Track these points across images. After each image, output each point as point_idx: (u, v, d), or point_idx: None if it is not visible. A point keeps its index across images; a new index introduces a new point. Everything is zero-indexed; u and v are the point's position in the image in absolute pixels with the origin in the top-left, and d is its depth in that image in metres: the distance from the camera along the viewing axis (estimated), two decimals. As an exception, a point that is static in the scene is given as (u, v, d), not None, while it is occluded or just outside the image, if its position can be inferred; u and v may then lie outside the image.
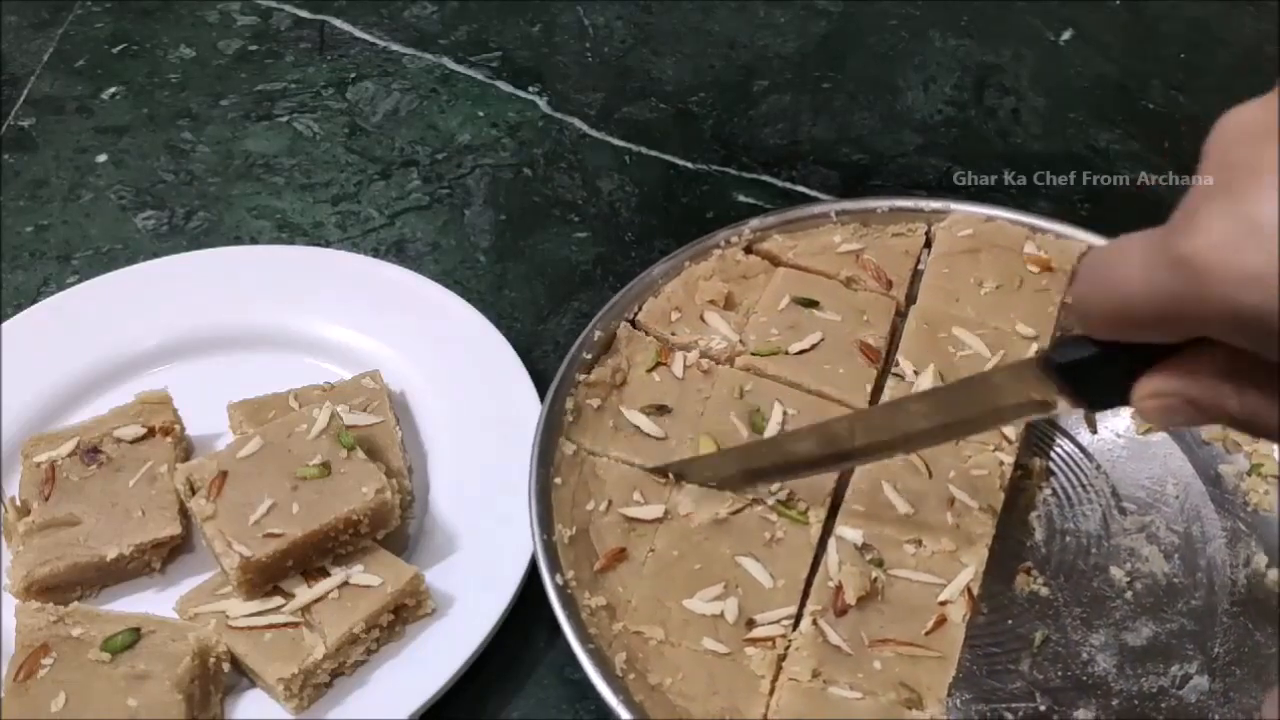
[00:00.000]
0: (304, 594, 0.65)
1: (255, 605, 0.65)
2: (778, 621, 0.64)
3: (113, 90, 1.03)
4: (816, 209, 0.83)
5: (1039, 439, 0.75)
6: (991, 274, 0.78)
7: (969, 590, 0.64)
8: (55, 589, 0.67)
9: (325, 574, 0.66)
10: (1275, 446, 0.72)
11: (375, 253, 0.90)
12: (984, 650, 0.66)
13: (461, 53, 1.06)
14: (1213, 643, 0.66)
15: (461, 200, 0.95)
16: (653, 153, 0.98)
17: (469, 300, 0.82)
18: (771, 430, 0.70)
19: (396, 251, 0.91)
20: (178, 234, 0.92)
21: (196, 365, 0.80)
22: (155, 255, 0.88)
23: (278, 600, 0.65)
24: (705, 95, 1.03)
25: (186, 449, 0.75)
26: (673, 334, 0.76)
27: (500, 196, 0.95)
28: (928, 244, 0.82)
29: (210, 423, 0.76)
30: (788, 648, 0.63)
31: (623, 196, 0.95)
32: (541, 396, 0.73)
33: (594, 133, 1.00)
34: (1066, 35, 1.07)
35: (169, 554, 0.70)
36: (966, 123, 1.01)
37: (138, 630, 0.63)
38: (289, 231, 0.92)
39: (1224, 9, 1.09)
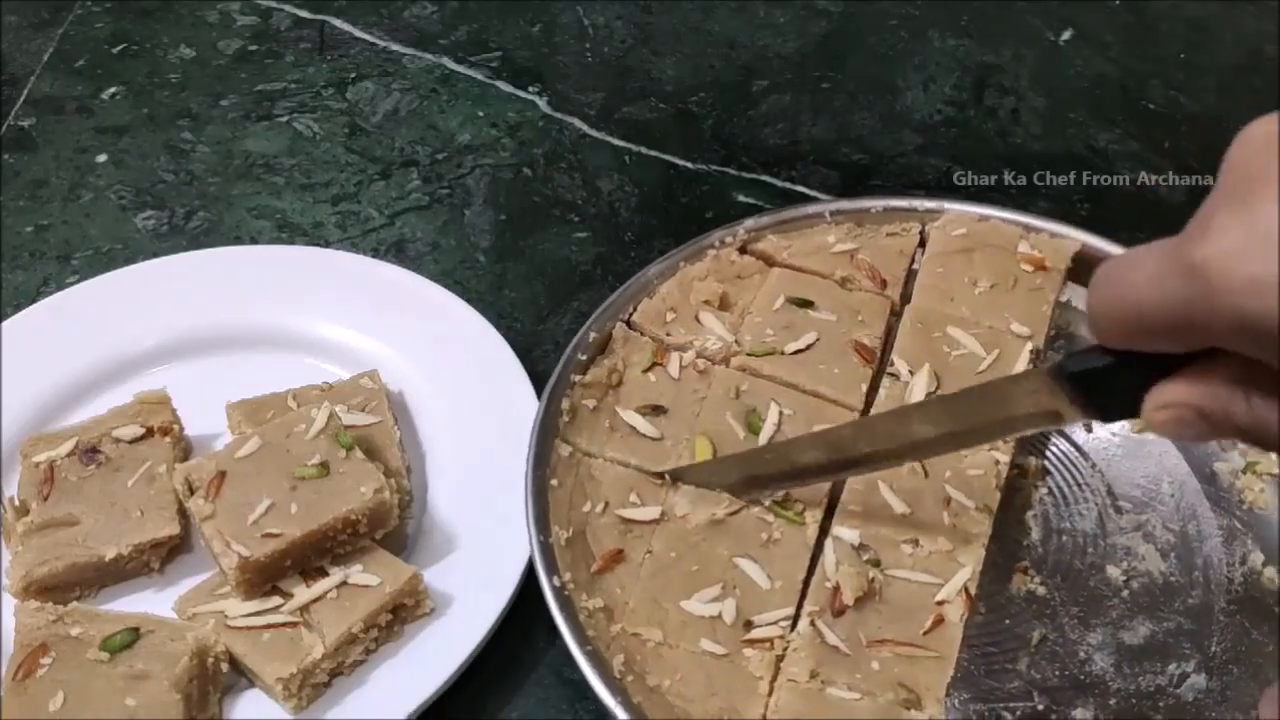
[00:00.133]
0: (302, 594, 0.65)
1: (254, 605, 0.65)
2: (775, 622, 0.64)
3: (113, 90, 1.03)
4: (811, 209, 0.83)
5: (1034, 438, 0.75)
6: (986, 273, 0.78)
7: (966, 590, 0.64)
8: (54, 589, 0.67)
9: (324, 574, 0.66)
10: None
11: (375, 253, 0.90)
12: (982, 650, 0.66)
13: (461, 53, 1.06)
14: (1210, 641, 0.66)
15: (461, 200, 0.95)
16: (652, 153, 0.98)
17: (468, 300, 0.82)
18: (768, 430, 0.71)
19: (396, 251, 0.91)
20: (178, 234, 0.92)
21: (195, 365, 0.80)
22: (155, 255, 0.88)
23: (276, 600, 0.65)
24: (705, 95, 1.03)
25: (185, 449, 0.75)
26: (668, 334, 0.76)
27: (500, 196, 0.95)
28: (922, 243, 0.82)
29: (209, 423, 0.76)
30: (786, 648, 0.63)
31: (622, 196, 0.95)
32: (540, 397, 0.73)
33: (594, 133, 1.00)
34: (1066, 35, 1.07)
35: (168, 554, 0.70)
36: (966, 123, 1.01)
37: (136, 630, 0.63)
38: (289, 231, 0.92)
39: (1224, 9, 1.09)
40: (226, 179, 0.96)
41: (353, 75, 1.04)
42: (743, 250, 0.81)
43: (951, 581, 0.65)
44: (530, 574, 0.67)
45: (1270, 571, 0.68)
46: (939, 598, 0.64)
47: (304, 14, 1.09)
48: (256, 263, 0.85)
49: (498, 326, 0.80)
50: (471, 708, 0.67)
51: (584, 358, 0.74)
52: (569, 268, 0.90)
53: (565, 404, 0.71)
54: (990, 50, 1.06)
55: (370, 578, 0.66)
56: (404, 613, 0.67)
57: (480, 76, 1.04)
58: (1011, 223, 0.80)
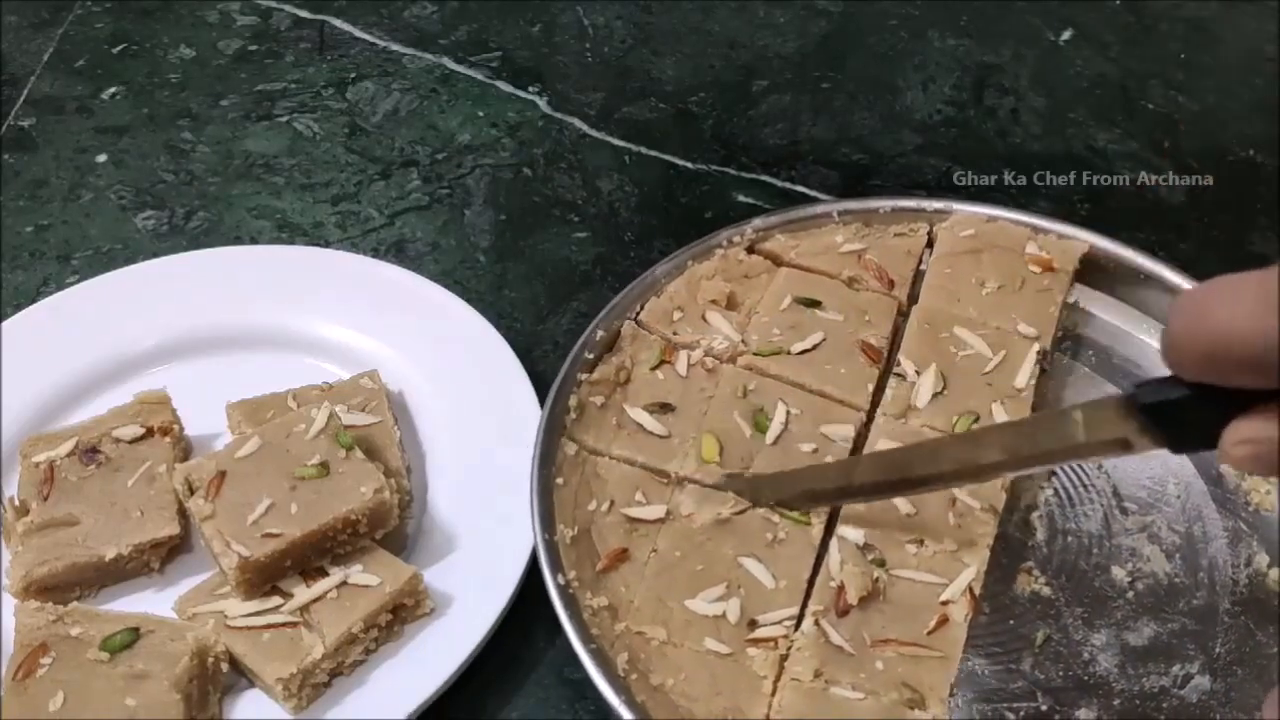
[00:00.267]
0: (302, 594, 0.65)
1: (254, 605, 0.65)
2: (780, 622, 0.63)
3: (113, 90, 1.03)
4: (819, 209, 0.83)
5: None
6: (993, 274, 0.78)
7: (971, 590, 0.64)
8: (54, 589, 0.67)
9: (324, 574, 0.66)
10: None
11: (375, 253, 0.90)
12: (986, 650, 0.66)
13: (461, 53, 1.06)
14: (1214, 643, 0.66)
15: (461, 200, 0.94)
16: (653, 153, 0.98)
17: (469, 300, 0.82)
18: (774, 429, 0.70)
19: (396, 251, 0.90)
20: (178, 234, 0.92)
21: (195, 365, 0.80)
22: (155, 255, 0.88)
23: (276, 600, 0.65)
24: (705, 95, 1.03)
25: (185, 449, 0.75)
26: (674, 333, 0.76)
27: (500, 196, 0.95)
28: (930, 244, 0.82)
29: (209, 423, 0.76)
30: (790, 648, 0.63)
31: (622, 196, 0.95)
32: (540, 396, 0.73)
33: (594, 133, 0.99)
34: (1066, 35, 1.07)
35: (168, 554, 0.70)
36: (966, 123, 1.00)
37: (136, 630, 0.63)
38: (289, 231, 0.92)
39: (1224, 9, 1.09)
40: (226, 179, 0.96)
41: (353, 75, 1.04)
42: (750, 250, 0.81)
43: (956, 582, 0.64)
44: (530, 574, 0.66)
45: (1275, 573, 0.68)
46: (943, 598, 0.64)
47: (304, 14, 1.09)
48: (256, 263, 0.85)
49: (498, 326, 0.80)
50: (471, 708, 0.67)
51: (591, 356, 0.73)
52: (569, 268, 0.90)
53: (573, 401, 0.71)
54: (990, 50, 1.06)
55: (370, 578, 0.65)
56: (404, 613, 0.66)
57: (480, 76, 1.04)
58: (1020, 224, 0.80)
